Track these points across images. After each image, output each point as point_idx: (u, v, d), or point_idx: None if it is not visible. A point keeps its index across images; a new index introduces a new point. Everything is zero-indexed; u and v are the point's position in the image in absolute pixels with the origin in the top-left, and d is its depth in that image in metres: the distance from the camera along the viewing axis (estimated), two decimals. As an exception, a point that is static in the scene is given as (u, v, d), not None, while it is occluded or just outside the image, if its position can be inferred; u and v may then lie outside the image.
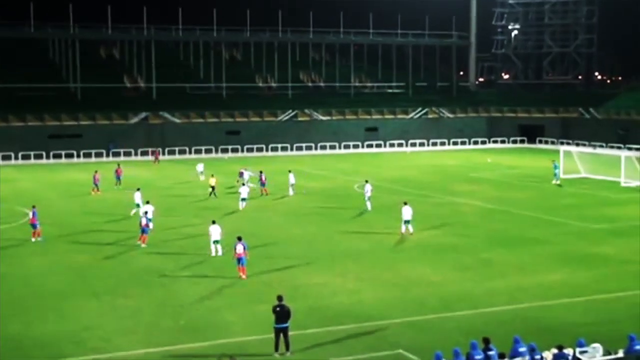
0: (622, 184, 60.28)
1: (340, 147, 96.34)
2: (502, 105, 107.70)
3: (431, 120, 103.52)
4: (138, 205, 46.00)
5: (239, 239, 31.86)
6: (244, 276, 31.32)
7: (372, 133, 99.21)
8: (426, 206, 49.80)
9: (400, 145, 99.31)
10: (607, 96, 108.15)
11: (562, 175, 63.46)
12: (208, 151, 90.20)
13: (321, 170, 71.95)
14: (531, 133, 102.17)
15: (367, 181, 51.18)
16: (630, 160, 62.12)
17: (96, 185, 56.56)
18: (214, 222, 35.82)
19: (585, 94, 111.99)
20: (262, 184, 55.43)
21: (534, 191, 58.08)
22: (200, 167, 65.58)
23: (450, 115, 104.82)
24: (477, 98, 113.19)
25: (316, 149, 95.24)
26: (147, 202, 42.92)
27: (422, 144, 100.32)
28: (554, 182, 61.51)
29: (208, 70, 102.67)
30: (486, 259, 35.04)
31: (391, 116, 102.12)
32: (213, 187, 54.22)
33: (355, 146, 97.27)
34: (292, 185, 55.89)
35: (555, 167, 62.91)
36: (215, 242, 34.98)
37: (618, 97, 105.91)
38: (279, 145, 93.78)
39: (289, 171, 57.59)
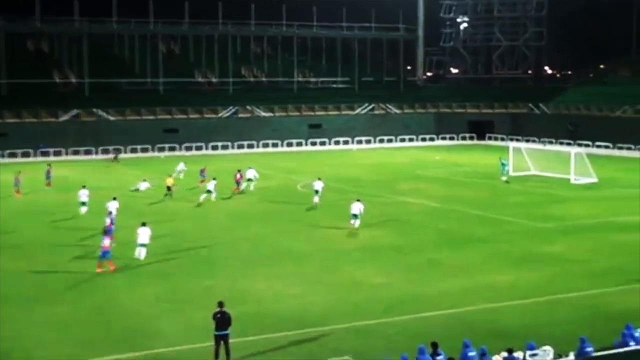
0: (572, 181, 61.13)
1: (282, 145, 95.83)
2: (450, 101, 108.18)
3: (378, 116, 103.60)
4: (83, 204, 46.25)
5: (105, 232, 34.07)
6: (112, 268, 32.70)
7: (316, 130, 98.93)
8: (373, 205, 49.45)
9: (345, 142, 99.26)
10: (556, 91, 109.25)
11: (511, 173, 64.00)
12: (144, 150, 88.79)
13: (264, 169, 71.25)
14: (480, 129, 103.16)
15: (319, 178, 52.19)
16: (580, 156, 62.78)
17: (17, 186, 55.62)
18: (144, 224, 35.62)
19: (534, 88, 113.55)
20: (237, 183, 55.72)
21: (482, 189, 58.66)
22: (181, 165, 64.30)
23: (398, 111, 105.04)
24: (425, 93, 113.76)
25: (258, 146, 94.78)
26: (114, 199, 42.33)
27: (368, 141, 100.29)
28: (503, 179, 62.02)
29: (144, 64, 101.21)
30: (433, 259, 35.32)
31: (336, 112, 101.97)
32: (169, 188, 53.85)
33: (299, 144, 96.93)
34: (250, 180, 56.54)
35: (503, 165, 63.35)
36: (142, 245, 34.58)
37: (568, 92, 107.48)
38: (219, 144, 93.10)
39: (249, 168, 58.15)
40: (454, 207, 50.00)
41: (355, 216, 41.80)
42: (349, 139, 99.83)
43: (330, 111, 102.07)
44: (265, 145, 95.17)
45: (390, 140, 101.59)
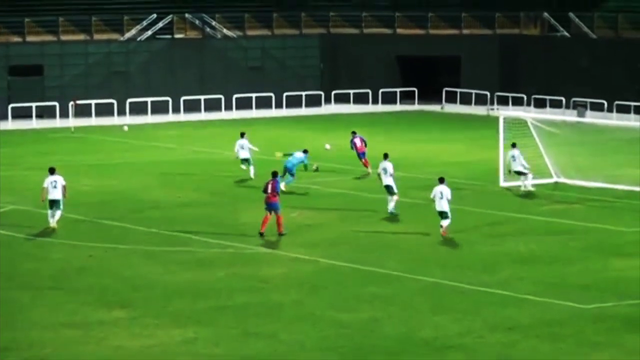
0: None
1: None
2: (352, 10, 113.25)
3: (182, 46, 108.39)
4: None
5: None
6: None
7: (28, 82, 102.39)
8: (170, 272, 47.16)
9: (105, 111, 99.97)
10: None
11: (503, 183, 67.85)
12: None
13: None
14: (429, 76, 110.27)
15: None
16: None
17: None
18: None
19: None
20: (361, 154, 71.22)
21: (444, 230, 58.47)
22: None
23: (232, 34, 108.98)
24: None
25: None
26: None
27: (161, 108, 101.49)
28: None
29: None
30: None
31: (79, 37, 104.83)
32: None
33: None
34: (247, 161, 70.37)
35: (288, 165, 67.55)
36: None
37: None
38: None
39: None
40: (377, 267, 49.49)
41: (443, 215, 52.32)
42: (114, 103, 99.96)
43: (65, 35, 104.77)
44: None
45: (214, 105, 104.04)
